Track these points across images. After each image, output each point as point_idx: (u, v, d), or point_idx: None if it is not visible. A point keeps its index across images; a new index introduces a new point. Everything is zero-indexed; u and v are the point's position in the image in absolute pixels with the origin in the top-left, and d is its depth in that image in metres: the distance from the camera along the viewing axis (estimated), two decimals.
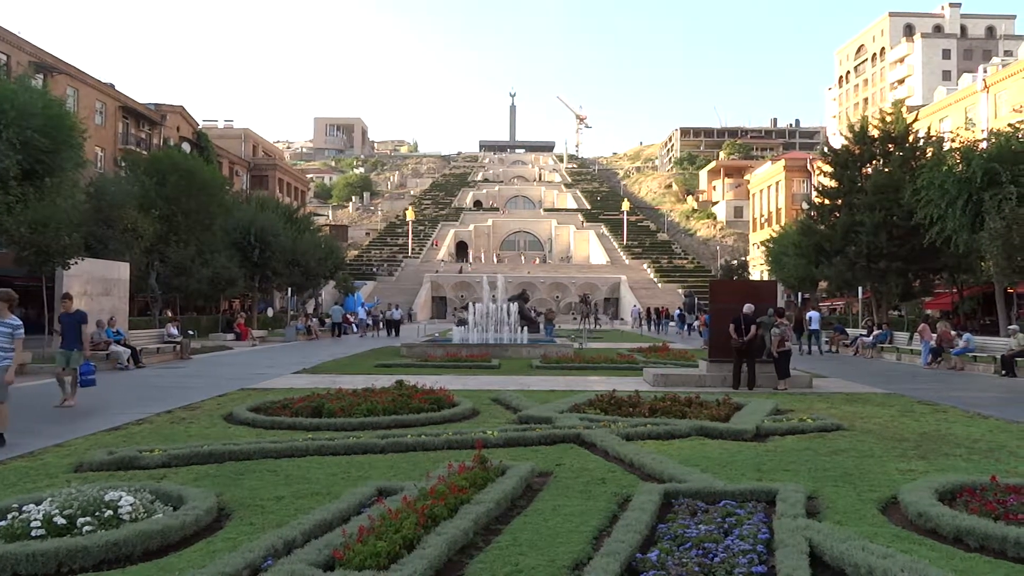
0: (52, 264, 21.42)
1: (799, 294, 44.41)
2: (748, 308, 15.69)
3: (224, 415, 11.41)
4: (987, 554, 5.21)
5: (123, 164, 43.52)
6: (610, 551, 4.88)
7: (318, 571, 4.49)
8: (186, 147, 50.74)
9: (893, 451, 8.88)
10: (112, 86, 49.10)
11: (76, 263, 21.96)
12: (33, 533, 5.19)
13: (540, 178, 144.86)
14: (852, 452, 8.78)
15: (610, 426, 9.88)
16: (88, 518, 5.37)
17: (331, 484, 7.09)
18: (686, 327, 44.84)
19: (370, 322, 45.13)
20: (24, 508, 5.60)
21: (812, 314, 29.90)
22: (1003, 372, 19.27)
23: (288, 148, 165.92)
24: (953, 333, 23.01)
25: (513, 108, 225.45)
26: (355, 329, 43.90)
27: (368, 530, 5.10)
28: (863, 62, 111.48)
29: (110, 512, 5.49)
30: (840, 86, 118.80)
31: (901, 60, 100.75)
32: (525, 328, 28.71)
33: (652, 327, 49.51)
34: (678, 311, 48.86)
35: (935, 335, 22.75)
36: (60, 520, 5.31)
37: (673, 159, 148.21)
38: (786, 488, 6.59)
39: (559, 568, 4.85)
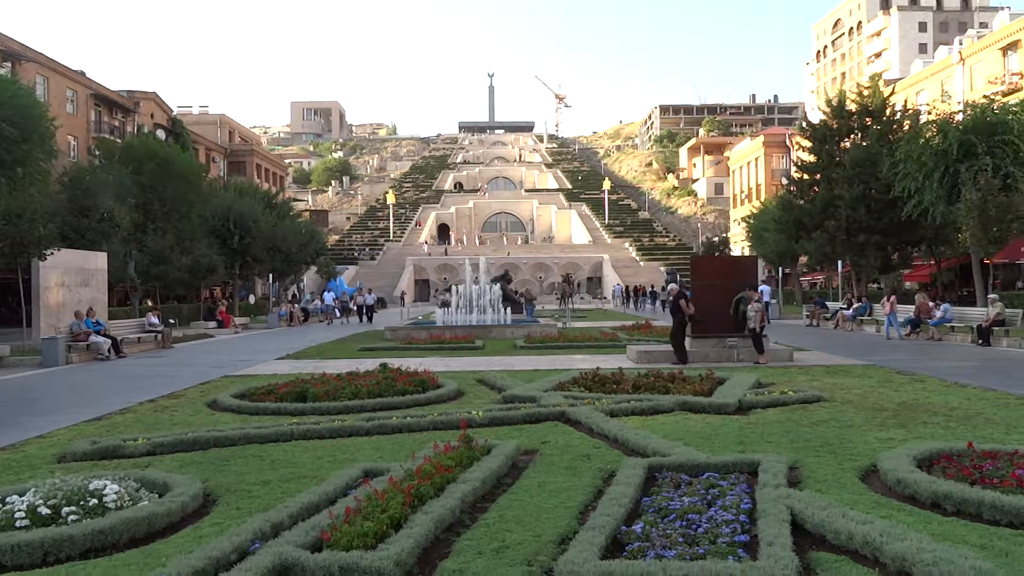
0: (28, 255, 21.12)
1: (780, 269, 44.80)
2: (672, 287, 16.68)
3: (208, 402, 11.36)
4: (963, 518, 5.33)
5: (97, 153, 42.89)
6: (595, 525, 4.93)
7: (306, 552, 4.51)
8: (161, 134, 50.08)
9: (873, 421, 9.02)
10: (83, 73, 48.22)
11: (52, 254, 21.68)
12: (17, 524, 5.16)
13: (520, 159, 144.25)
14: (832, 423, 8.91)
15: (594, 403, 9.95)
16: (73, 507, 5.35)
17: (317, 467, 7.10)
18: (659, 303, 45.64)
19: (338, 309, 41.26)
20: (7, 499, 5.57)
21: (764, 288, 30.36)
22: (980, 342, 19.58)
23: (265, 133, 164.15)
24: (931, 304, 23.31)
25: (492, 89, 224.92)
26: (338, 313, 40.99)
27: (355, 511, 5.13)
28: (840, 36, 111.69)
29: (95, 501, 5.48)
30: (818, 61, 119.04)
31: (878, 34, 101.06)
32: (508, 309, 28.76)
33: (629, 305, 50.40)
34: (651, 289, 49.71)
35: (913, 306, 23.03)
36: (44, 510, 5.29)
37: (653, 137, 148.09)
38: (768, 459, 6.69)
39: (545, 543, 4.90)
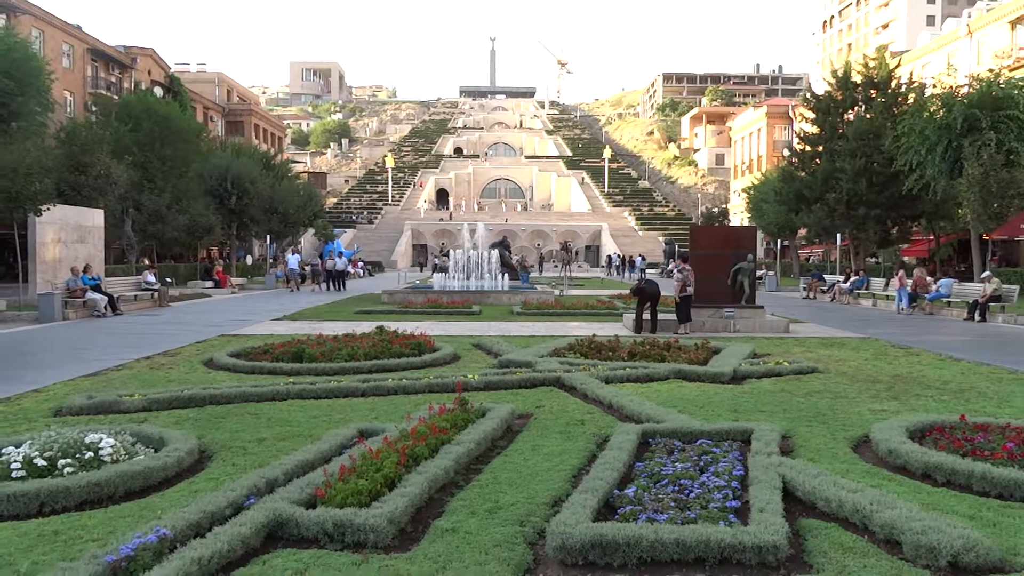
0: (24, 211, 20.98)
1: (778, 241, 44.73)
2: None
3: (204, 360, 11.38)
4: (953, 488, 5.37)
5: (94, 109, 42.43)
6: (588, 488, 4.96)
7: (300, 509, 4.54)
8: (158, 92, 49.49)
9: (866, 392, 9.06)
10: (79, 27, 47.52)
11: (48, 209, 21.54)
12: (14, 475, 5.19)
13: (521, 124, 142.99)
14: (826, 393, 8.95)
15: (589, 370, 9.99)
16: (69, 460, 5.37)
17: (313, 427, 7.13)
18: (638, 272, 46.14)
19: (304, 273, 35.92)
20: (3, 450, 5.58)
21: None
22: (976, 317, 19.62)
23: (264, 93, 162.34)
24: (928, 279, 23.32)
25: (493, 53, 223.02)
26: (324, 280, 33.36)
27: (350, 469, 5.15)
28: (848, 6, 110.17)
29: (91, 454, 5.50)
30: (824, 31, 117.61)
31: (886, 4, 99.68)
32: (506, 275, 28.73)
33: (617, 274, 50.98)
34: (639, 258, 50.04)
35: (911, 280, 23.03)
36: (40, 462, 5.31)
37: (655, 105, 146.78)
38: (761, 427, 6.72)
39: (538, 504, 4.94)
